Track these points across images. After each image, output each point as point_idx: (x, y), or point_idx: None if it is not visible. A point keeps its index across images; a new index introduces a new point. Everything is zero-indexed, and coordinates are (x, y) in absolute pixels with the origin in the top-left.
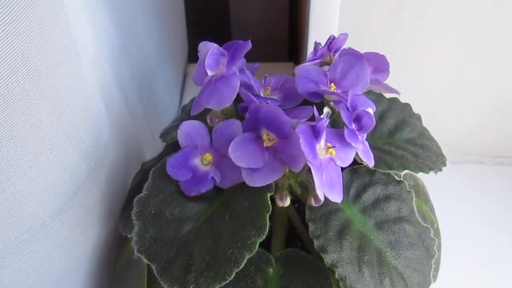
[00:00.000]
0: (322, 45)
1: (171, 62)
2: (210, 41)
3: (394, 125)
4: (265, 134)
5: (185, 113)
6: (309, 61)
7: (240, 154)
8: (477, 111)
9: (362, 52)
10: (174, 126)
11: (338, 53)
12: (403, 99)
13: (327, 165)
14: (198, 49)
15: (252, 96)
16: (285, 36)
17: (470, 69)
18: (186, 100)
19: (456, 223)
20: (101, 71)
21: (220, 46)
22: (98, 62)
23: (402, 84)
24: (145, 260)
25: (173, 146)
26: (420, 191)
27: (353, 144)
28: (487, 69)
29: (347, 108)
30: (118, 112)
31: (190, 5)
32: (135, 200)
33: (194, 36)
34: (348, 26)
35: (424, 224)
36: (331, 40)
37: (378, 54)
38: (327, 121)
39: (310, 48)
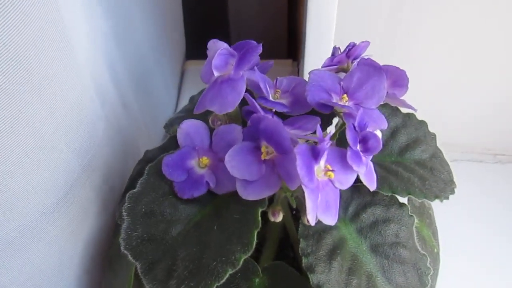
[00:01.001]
0: (341, 50)
1: (169, 58)
2: (211, 39)
3: (405, 143)
4: (264, 147)
5: (192, 104)
6: (325, 66)
7: (236, 164)
8: (476, 109)
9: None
10: (179, 117)
11: (357, 61)
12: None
13: (324, 186)
14: (208, 46)
15: (256, 105)
16: (284, 33)
17: (469, 67)
18: (184, 97)
19: (455, 221)
20: (96, 67)
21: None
22: (93, 59)
23: None
24: (130, 258)
25: (176, 139)
26: (425, 213)
27: (354, 167)
28: (487, 67)
29: (354, 127)
30: (113, 108)
31: (188, 2)
32: (127, 195)
33: (192, 33)
34: (346, 23)
35: (422, 252)
36: (351, 47)
37: (398, 68)
38: (329, 143)
39: (308, 45)
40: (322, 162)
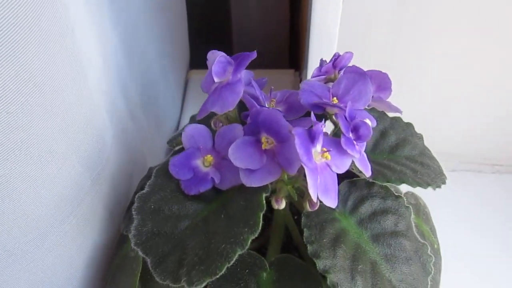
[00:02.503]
0: (327, 61)
1: (173, 69)
2: (212, 48)
3: (395, 142)
4: (264, 138)
5: (194, 122)
6: (314, 77)
7: (239, 156)
8: (475, 120)
9: (363, 67)
10: (181, 134)
11: (343, 71)
12: (401, 106)
13: (322, 170)
14: (207, 57)
15: (254, 101)
16: (286, 43)
17: (469, 78)
18: (188, 107)
19: (453, 231)
20: (106, 83)
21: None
22: (104, 75)
23: (402, 92)
24: (141, 253)
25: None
26: (421, 211)
27: (349, 151)
28: (486, 78)
29: (345, 118)
30: (121, 122)
31: (192, 12)
32: (136, 196)
33: (196, 43)
34: (348, 34)
35: (422, 241)
36: (336, 57)
37: (381, 72)
38: (324, 125)
39: (311, 55)
40: (318, 145)
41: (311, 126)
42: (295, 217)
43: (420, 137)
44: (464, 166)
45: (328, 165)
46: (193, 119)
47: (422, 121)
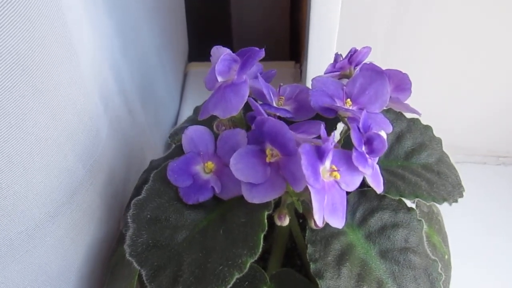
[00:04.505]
0: (343, 56)
1: (171, 60)
2: (214, 40)
3: (411, 148)
4: (268, 149)
5: (197, 115)
6: (328, 73)
7: (241, 167)
8: (480, 112)
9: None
10: (184, 127)
11: (359, 67)
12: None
13: (330, 188)
14: (211, 53)
15: (260, 108)
16: (286, 35)
17: (473, 69)
18: (186, 99)
19: (458, 223)
20: (100, 70)
21: (223, 46)
22: (97, 62)
23: None
24: (135, 265)
25: (181, 148)
26: (434, 219)
27: (360, 168)
28: (490, 69)
29: (358, 129)
30: (117, 112)
31: (190, 3)
32: (132, 202)
33: (195, 35)
34: (348, 24)
35: (432, 257)
36: (352, 53)
37: (400, 71)
38: (334, 143)
39: (311, 47)
40: (327, 162)
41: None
42: (300, 221)
43: (439, 142)
44: (468, 158)
45: (337, 182)
46: (196, 111)
47: (426, 114)
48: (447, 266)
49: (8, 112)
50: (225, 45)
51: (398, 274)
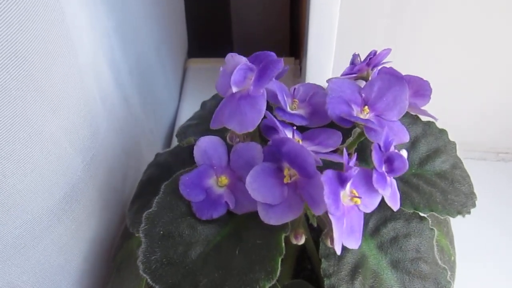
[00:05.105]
0: (361, 57)
1: (171, 56)
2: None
3: (426, 154)
4: (286, 169)
5: (204, 111)
6: (345, 75)
7: (257, 187)
8: (479, 108)
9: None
10: (191, 125)
11: (377, 69)
12: None
13: (350, 211)
14: (225, 60)
15: (278, 124)
16: (286, 31)
17: (472, 66)
18: (186, 96)
19: (457, 219)
20: (98, 65)
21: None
22: (95, 56)
23: None
24: (150, 281)
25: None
26: (442, 221)
27: (380, 191)
28: (489, 66)
29: (379, 147)
30: (115, 106)
31: None
32: (144, 215)
33: (194, 31)
34: (348, 22)
35: (442, 265)
36: (372, 56)
37: (421, 78)
38: (357, 170)
39: (311, 43)
40: (348, 187)
41: (337, 150)
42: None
43: (454, 147)
44: (468, 154)
45: (356, 205)
46: (204, 106)
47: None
48: (453, 267)
49: (6, 104)
50: (224, 40)
51: (408, 284)
